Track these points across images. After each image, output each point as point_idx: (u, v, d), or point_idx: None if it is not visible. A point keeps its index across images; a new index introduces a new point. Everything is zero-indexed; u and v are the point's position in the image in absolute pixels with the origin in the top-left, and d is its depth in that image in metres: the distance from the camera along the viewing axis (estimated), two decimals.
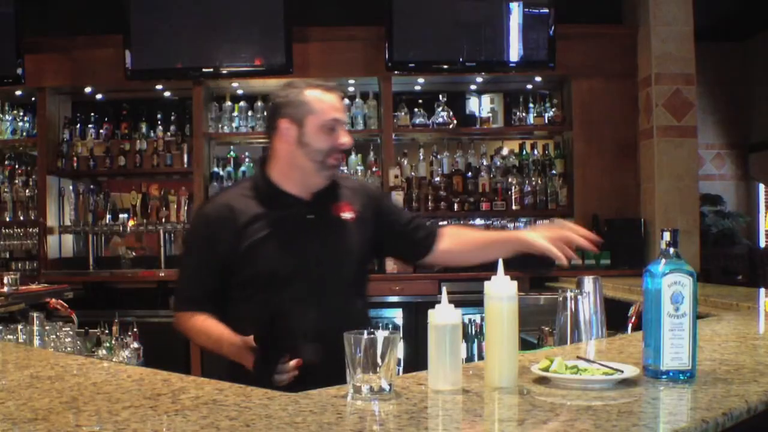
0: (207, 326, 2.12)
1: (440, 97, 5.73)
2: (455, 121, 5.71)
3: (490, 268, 1.57)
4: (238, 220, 2.13)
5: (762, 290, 3.62)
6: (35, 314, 2.95)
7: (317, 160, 2.14)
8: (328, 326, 1.91)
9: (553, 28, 5.38)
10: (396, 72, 5.47)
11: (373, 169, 5.74)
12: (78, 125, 5.82)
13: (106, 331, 3.21)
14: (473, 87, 5.96)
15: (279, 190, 2.17)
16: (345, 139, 2.16)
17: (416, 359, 4.54)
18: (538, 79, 5.79)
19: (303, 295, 2.08)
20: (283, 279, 2.09)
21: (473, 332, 4.80)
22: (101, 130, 5.78)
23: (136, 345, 3.22)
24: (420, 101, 5.78)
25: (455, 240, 2.37)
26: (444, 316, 1.43)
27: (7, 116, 5.78)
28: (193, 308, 2.18)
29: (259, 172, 2.25)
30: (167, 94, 5.96)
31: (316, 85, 2.18)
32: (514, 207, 5.64)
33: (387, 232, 2.30)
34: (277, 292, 2.08)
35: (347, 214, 2.21)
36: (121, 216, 5.77)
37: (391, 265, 5.27)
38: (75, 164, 5.64)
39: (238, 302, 2.13)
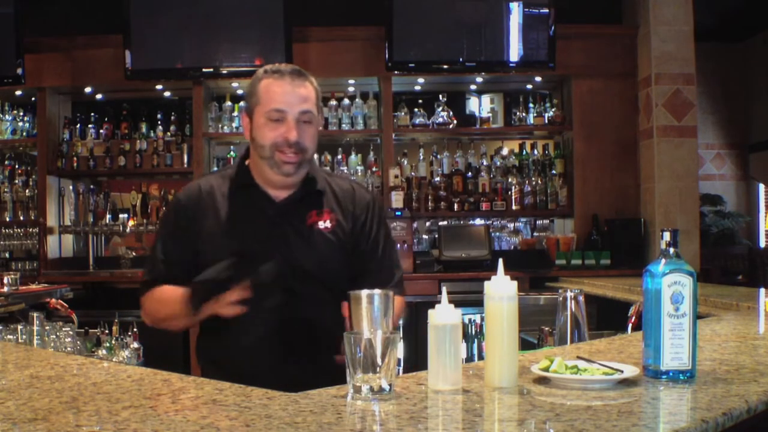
0: (162, 292, 2.03)
1: (440, 97, 5.73)
2: (455, 121, 5.71)
3: (490, 268, 1.57)
4: (203, 205, 2.03)
5: (762, 290, 3.62)
6: (35, 314, 2.94)
7: (265, 157, 1.97)
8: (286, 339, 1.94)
9: (553, 28, 5.38)
10: (396, 72, 5.47)
11: (373, 169, 5.74)
12: (78, 125, 5.82)
13: (106, 331, 3.21)
14: (473, 87, 5.96)
15: (252, 182, 2.04)
16: (290, 133, 1.93)
17: (416, 359, 4.54)
18: (538, 79, 5.79)
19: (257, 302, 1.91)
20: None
21: (473, 332, 4.80)
22: (101, 130, 5.78)
23: (136, 345, 3.22)
24: (420, 101, 5.78)
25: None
26: (444, 316, 1.42)
27: (7, 116, 5.78)
28: (154, 283, 2.07)
29: (239, 160, 2.11)
30: (167, 94, 5.96)
31: (273, 70, 1.99)
32: (514, 207, 5.64)
33: (354, 252, 2.07)
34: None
35: (324, 223, 2.02)
36: (121, 216, 5.77)
37: None
38: (75, 164, 5.64)
39: None
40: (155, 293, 2.06)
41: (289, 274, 1.96)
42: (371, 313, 1.55)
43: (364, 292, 1.56)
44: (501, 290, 1.45)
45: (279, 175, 1.99)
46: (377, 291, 1.57)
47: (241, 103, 2.13)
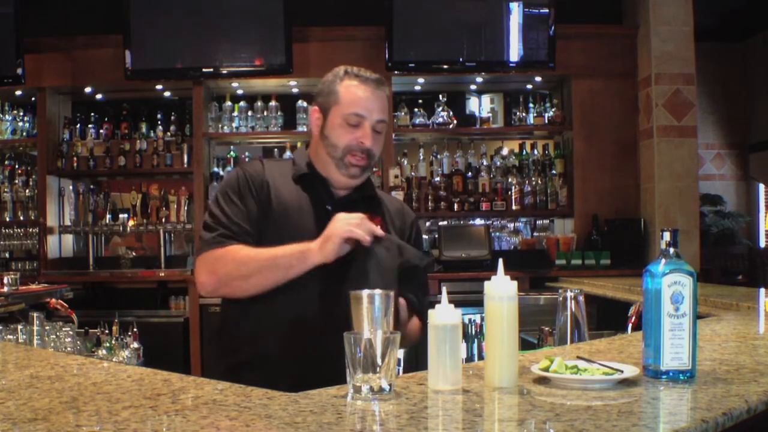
0: (245, 249, 1.90)
1: (440, 97, 5.73)
2: (455, 121, 5.71)
3: (490, 268, 1.57)
4: (267, 181, 1.99)
5: (762, 290, 3.61)
6: (35, 314, 2.95)
7: (335, 156, 1.99)
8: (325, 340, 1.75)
9: (553, 28, 5.39)
10: (396, 72, 5.47)
11: (374, 169, 5.73)
12: (78, 125, 5.82)
13: (106, 331, 3.21)
14: (473, 87, 5.96)
15: (316, 173, 2.04)
16: (366, 140, 1.97)
17: (416, 359, 4.53)
18: (538, 79, 5.79)
19: (315, 290, 1.89)
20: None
21: (473, 332, 4.80)
22: (101, 130, 5.78)
23: (136, 345, 3.22)
24: (420, 101, 5.79)
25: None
26: (444, 316, 1.42)
27: (7, 116, 5.78)
28: (231, 241, 1.93)
29: (302, 151, 2.12)
30: (167, 94, 5.96)
31: (356, 74, 2.01)
32: (514, 207, 5.64)
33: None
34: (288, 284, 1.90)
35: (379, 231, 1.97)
36: (121, 216, 5.77)
37: None
38: (75, 164, 5.64)
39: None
40: (234, 249, 1.91)
41: (339, 267, 1.89)
42: (372, 313, 1.55)
43: (365, 292, 1.56)
44: (501, 290, 1.45)
45: (344, 176, 2.01)
46: (378, 291, 1.57)
47: (315, 97, 2.09)
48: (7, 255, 5.81)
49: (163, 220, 5.74)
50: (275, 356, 1.93)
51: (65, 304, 3.49)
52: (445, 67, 5.47)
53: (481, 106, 5.95)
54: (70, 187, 5.87)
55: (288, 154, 5.69)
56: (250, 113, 5.70)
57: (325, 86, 2.03)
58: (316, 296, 1.92)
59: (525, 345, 2.84)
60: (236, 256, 1.91)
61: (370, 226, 1.82)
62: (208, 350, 4.85)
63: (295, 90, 5.85)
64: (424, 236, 5.79)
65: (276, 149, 5.91)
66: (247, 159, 5.79)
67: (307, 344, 1.91)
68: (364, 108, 1.98)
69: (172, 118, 5.78)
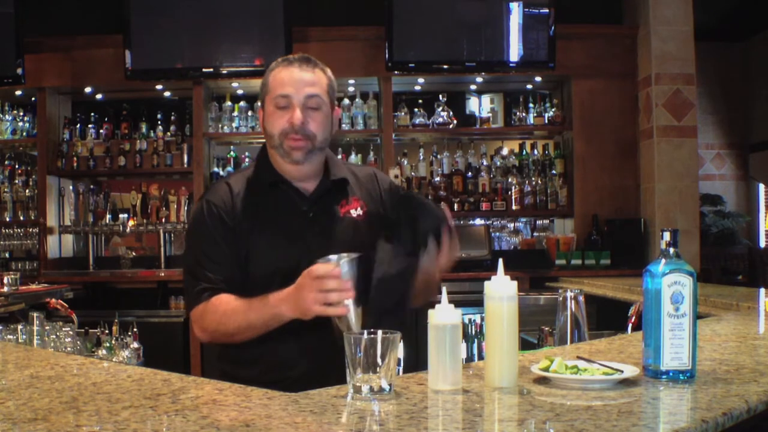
0: (228, 302, 1.86)
1: (440, 97, 5.73)
2: (455, 121, 5.71)
3: (490, 268, 1.57)
4: (237, 205, 1.94)
5: (762, 290, 3.62)
6: (35, 314, 2.94)
7: (275, 146, 1.94)
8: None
9: (553, 28, 5.39)
10: (396, 72, 5.47)
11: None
12: (78, 125, 5.82)
13: (106, 331, 3.21)
14: (473, 87, 5.96)
15: (280, 177, 1.98)
16: (295, 117, 1.88)
17: (416, 359, 4.53)
18: (538, 79, 5.79)
19: None
20: (288, 280, 1.80)
21: (473, 332, 4.80)
22: (101, 130, 5.78)
23: (136, 345, 3.22)
24: (420, 101, 5.78)
25: None
26: (444, 316, 1.42)
27: (7, 116, 5.78)
28: (213, 293, 1.89)
29: (262, 156, 2.03)
30: (167, 94, 5.96)
31: (282, 59, 1.97)
32: (514, 207, 5.64)
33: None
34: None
35: (355, 211, 1.98)
36: (121, 216, 5.77)
37: None
38: (75, 164, 5.64)
39: None
40: (215, 304, 1.88)
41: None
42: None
43: (333, 257, 1.64)
44: (501, 290, 1.45)
45: (290, 164, 1.94)
46: (345, 255, 1.63)
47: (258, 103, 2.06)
48: (7, 255, 5.81)
49: (163, 220, 5.74)
50: (276, 358, 1.93)
51: (65, 304, 3.49)
52: (445, 67, 5.47)
53: (481, 106, 5.95)
54: (70, 187, 5.87)
55: None
56: (250, 113, 5.70)
57: (262, 81, 1.99)
58: None
59: (525, 345, 2.84)
60: (217, 311, 1.87)
61: (342, 287, 1.69)
62: (208, 351, 4.86)
63: None
64: None
65: None
66: (247, 159, 5.79)
67: (312, 345, 1.89)
68: (289, 87, 1.91)
69: (172, 118, 5.78)
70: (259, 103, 2.05)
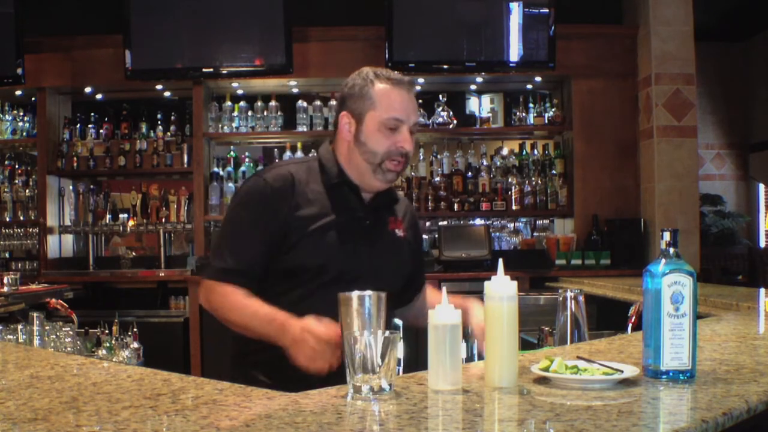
0: (240, 299, 1.89)
1: (440, 97, 5.73)
2: (455, 121, 5.71)
3: (490, 268, 1.57)
4: (298, 191, 1.95)
5: (762, 290, 3.62)
6: (35, 314, 2.94)
7: (373, 162, 1.95)
8: None
9: (553, 28, 5.38)
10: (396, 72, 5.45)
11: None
12: (78, 125, 5.82)
13: (106, 331, 3.21)
14: (473, 87, 5.96)
15: (348, 180, 2.01)
16: (407, 144, 1.95)
17: (416, 359, 4.53)
18: (538, 79, 5.79)
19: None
20: (328, 279, 1.89)
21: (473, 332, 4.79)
22: (101, 130, 5.78)
23: (136, 345, 3.22)
24: (420, 101, 5.77)
25: (426, 302, 2.18)
26: (444, 316, 1.42)
27: (7, 116, 5.78)
28: (230, 280, 1.92)
29: (328, 153, 2.04)
30: (167, 94, 5.96)
31: (386, 77, 1.97)
32: (514, 207, 5.64)
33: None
34: (317, 290, 1.91)
35: (399, 231, 2.08)
36: (121, 216, 5.78)
37: None
38: (75, 164, 5.64)
39: (268, 297, 1.90)
40: (228, 291, 1.92)
41: (372, 275, 1.92)
42: (362, 316, 1.54)
43: (355, 294, 1.56)
44: (501, 290, 1.45)
45: (380, 182, 1.99)
46: (368, 292, 1.56)
47: (343, 102, 2.05)
48: (7, 255, 5.82)
49: (163, 220, 5.74)
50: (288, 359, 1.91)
51: (65, 304, 3.49)
52: (445, 67, 5.47)
53: (481, 106, 5.95)
54: (70, 187, 5.87)
55: (288, 154, 5.70)
56: (250, 113, 5.70)
57: (355, 90, 1.98)
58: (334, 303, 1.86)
59: (525, 345, 2.84)
60: (226, 299, 1.92)
61: (331, 356, 1.70)
62: (208, 351, 4.85)
63: (295, 90, 5.85)
64: (424, 236, 5.80)
65: (276, 149, 5.91)
66: (246, 159, 5.79)
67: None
68: (402, 112, 1.95)
69: (172, 118, 5.79)
70: (335, 104, 2.09)
